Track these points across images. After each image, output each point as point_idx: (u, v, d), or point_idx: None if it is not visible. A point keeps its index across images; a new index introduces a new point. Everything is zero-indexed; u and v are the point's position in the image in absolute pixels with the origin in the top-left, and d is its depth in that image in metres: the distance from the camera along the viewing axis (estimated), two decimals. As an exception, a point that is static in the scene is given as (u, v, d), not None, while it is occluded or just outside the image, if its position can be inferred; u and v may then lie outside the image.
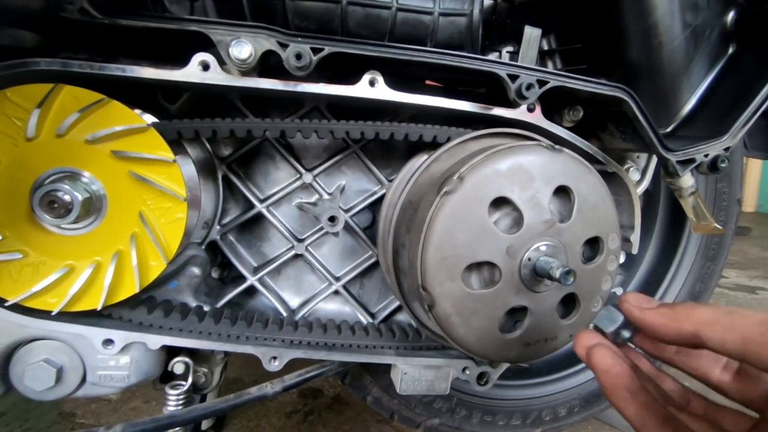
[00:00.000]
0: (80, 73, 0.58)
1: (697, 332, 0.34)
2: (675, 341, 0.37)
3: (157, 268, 0.63)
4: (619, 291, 1.21)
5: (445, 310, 0.57)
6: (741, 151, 1.09)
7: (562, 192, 0.59)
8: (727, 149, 0.72)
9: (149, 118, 0.63)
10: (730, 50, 0.80)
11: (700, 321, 0.34)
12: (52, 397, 0.65)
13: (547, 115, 0.71)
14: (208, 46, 0.59)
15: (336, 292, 0.83)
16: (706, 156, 0.73)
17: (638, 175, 0.86)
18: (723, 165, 0.72)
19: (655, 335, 0.38)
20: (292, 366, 0.71)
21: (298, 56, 0.60)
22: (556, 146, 0.60)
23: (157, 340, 0.66)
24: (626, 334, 0.43)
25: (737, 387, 0.39)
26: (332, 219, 0.75)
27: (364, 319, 0.83)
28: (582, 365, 1.19)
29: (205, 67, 0.60)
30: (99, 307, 0.62)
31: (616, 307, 0.43)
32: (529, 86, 0.66)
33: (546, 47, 1.00)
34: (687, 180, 0.79)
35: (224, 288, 0.80)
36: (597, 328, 0.44)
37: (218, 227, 0.77)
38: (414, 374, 0.76)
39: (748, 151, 1.04)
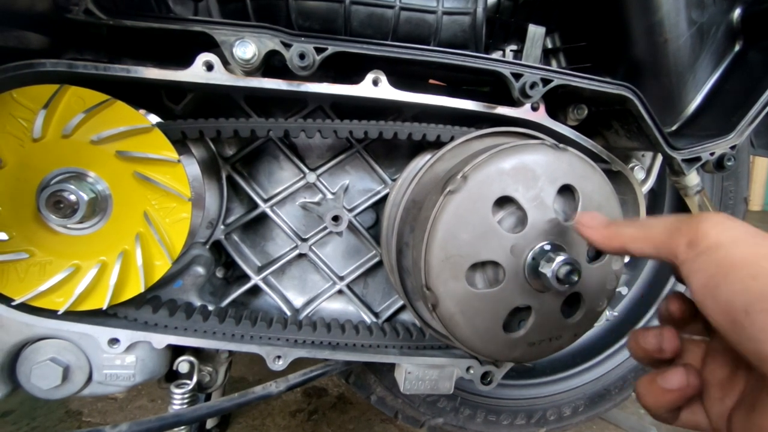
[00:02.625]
0: (85, 73, 0.58)
1: (625, 247, 0.42)
2: (615, 253, 0.45)
3: (162, 267, 0.64)
4: (624, 290, 1.20)
5: (448, 310, 0.57)
6: (747, 150, 1.08)
7: (567, 191, 0.59)
8: (733, 147, 0.72)
9: (154, 119, 0.64)
10: (737, 47, 0.79)
11: (626, 238, 0.42)
12: (58, 396, 0.66)
13: (552, 113, 0.71)
14: (212, 46, 0.59)
15: (340, 292, 0.83)
16: (712, 154, 0.72)
17: (643, 174, 0.85)
18: (729, 163, 0.72)
19: (599, 249, 0.46)
20: (296, 365, 0.71)
21: (302, 56, 0.60)
22: (561, 145, 0.60)
23: (162, 339, 0.67)
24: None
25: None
26: (336, 218, 0.75)
27: (367, 318, 0.83)
28: (586, 365, 1.19)
29: (209, 67, 0.60)
30: (105, 307, 0.62)
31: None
32: (533, 85, 0.65)
33: (550, 45, 1.00)
34: (693, 178, 0.79)
35: (228, 287, 0.80)
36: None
37: (222, 227, 0.78)
38: (418, 373, 0.75)
39: (754, 149, 1.03)
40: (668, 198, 1.19)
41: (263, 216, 0.80)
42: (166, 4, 0.72)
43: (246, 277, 0.79)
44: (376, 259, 0.83)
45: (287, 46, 0.60)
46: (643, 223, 0.42)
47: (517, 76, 0.65)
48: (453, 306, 0.56)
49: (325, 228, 0.80)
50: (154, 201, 0.62)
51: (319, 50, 0.60)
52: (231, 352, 0.76)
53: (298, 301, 0.84)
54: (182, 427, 0.70)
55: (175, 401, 0.72)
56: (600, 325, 1.11)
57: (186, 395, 0.73)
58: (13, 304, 0.60)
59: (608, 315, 1.03)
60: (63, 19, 0.56)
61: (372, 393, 1.03)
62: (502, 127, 0.69)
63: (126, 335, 0.65)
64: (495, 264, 0.57)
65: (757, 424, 0.34)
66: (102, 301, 0.62)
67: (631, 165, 0.84)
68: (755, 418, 0.34)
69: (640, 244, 0.41)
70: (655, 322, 0.79)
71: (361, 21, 0.72)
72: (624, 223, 0.44)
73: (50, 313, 0.62)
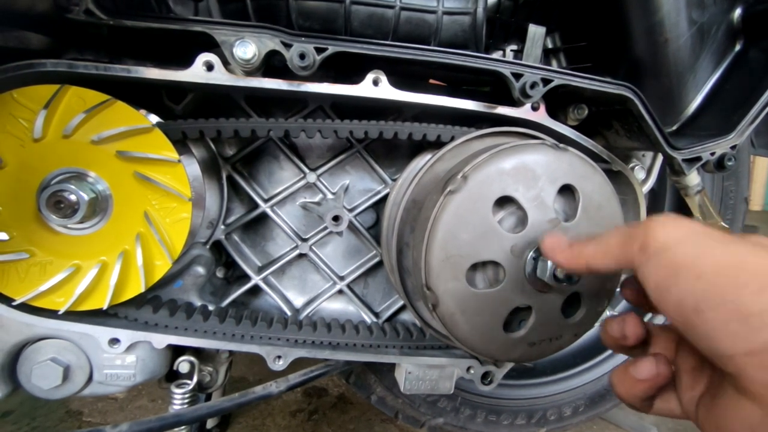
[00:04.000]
0: (86, 74, 0.58)
1: (588, 265, 0.43)
2: (581, 273, 0.45)
3: (162, 267, 0.64)
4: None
5: (449, 310, 0.57)
6: (748, 149, 1.08)
7: (567, 191, 0.59)
8: (733, 147, 0.72)
9: (154, 119, 0.64)
10: (737, 47, 0.79)
11: (588, 256, 0.43)
12: (59, 396, 0.66)
13: (552, 113, 0.71)
14: (213, 46, 0.59)
15: (340, 292, 0.83)
16: (712, 154, 0.72)
17: (643, 174, 0.85)
18: (729, 163, 0.72)
19: (567, 270, 0.47)
20: (296, 365, 0.71)
21: (302, 56, 0.60)
22: (561, 145, 0.60)
23: (162, 339, 0.67)
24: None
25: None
26: (336, 218, 0.75)
27: (368, 318, 0.83)
28: (587, 365, 1.19)
29: (210, 67, 0.60)
30: (105, 307, 0.62)
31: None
32: (534, 85, 0.65)
33: (550, 45, 1.00)
34: (693, 178, 0.78)
35: (229, 287, 0.80)
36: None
37: (223, 227, 0.78)
38: (418, 373, 0.75)
39: (755, 149, 1.03)
40: (668, 198, 1.19)
41: (263, 216, 0.80)
42: (167, 4, 0.72)
43: (246, 277, 0.79)
44: (377, 259, 0.83)
45: (287, 46, 0.60)
46: (601, 237, 0.42)
47: (518, 76, 0.65)
48: (453, 306, 0.56)
49: (325, 228, 0.80)
50: (154, 201, 0.62)
51: (319, 50, 0.60)
52: (231, 352, 0.76)
53: (298, 301, 0.84)
54: (182, 427, 0.70)
55: (175, 401, 0.72)
56: (600, 325, 1.11)
57: (186, 395, 0.73)
58: (14, 304, 0.60)
59: (608, 315, 1.03)
60: (63, 19, 0.56)
61: (372, 393, 1.03)
62: (502, 127, 0.69)
63: (126, 335, 0.65)
64: (495, 264, 0.57)
65: (716, 414, 0.35)
66: (102, 301, 0.62)
67: (631, 165, 0.84)
68: (716, 408, 0.35)
69: (600, 260, 0.41)
70: (656, 322, 0.79)
71: (362, 21, 0.72)
72: (585, 242, 0.44)
73: (51, 313, 0.62)
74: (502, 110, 0.69)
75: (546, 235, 0.48)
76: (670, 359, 0.42)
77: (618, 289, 0.51)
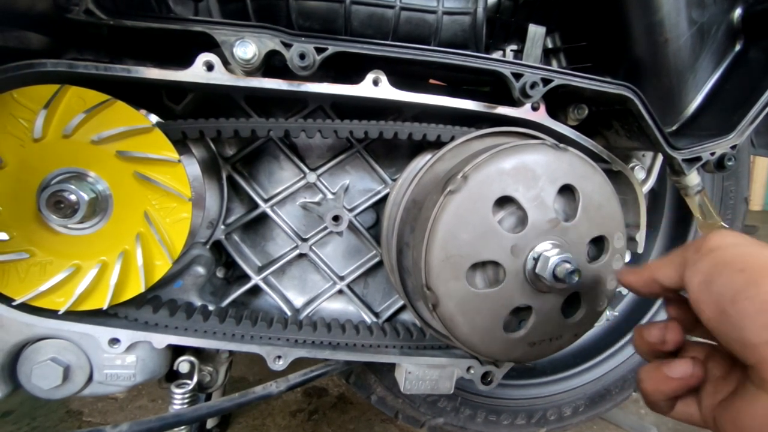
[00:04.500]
0: (86, 74, 0.58)
1: (656, 279, 0.45)
2: (650, 292, 0.46)
3: (162, 267, 0.64)
4: (624, 290, 1.20)
5: (449, 310, 0.57)
6: (748, 149, 1.08)
7: (567, 191, 0.59)
8: (733, 147, 0.72)
9: (154, 119, 0.64)
10: (737, 47, 0.79)
11: (653, 268, 0.45)
12: (59, 396, 0.66)
13: (552, 113, 0.71)
14: (213, 46, 0.59)
15: (340, 292, 0.83)
16: (712, 154, 0.72)
17: (644, 174, 0.85)
18: (729, 163, 0.72)
19: (635, 291, 0.48)
20: (296, 365, 0.71)
21: (302, 56, 0.60)
22: (561, 145, 0.60)
23: (162, 339, 0.67)
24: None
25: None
26: (336, 218, 0.75)
27: (368, 318, 0.83)
28: (587, 365, 1.19)
29: (210, 67, 0.60)
30: (105, 307, 0.62)
31: None
32: (534, 85, 0.65)
33: (550, 45, 1.00)
34: (693, 178, 0.78)
35: (229, 287, 0.80)
36: None
37: (223, 227, 0.78)
38: (418, 373, 0.75)
39: (755, 149, 1.03)
40: (668, 198, 1.19)
41: (263, 216, 0.80)
42: (167, 4, 0.72)
43: (246, 277, 0.79)
44: (377, 259, 0.83)
45: (287, 46, 0.60)
46: (667, 257, 0.45)
47: (518, 76, 0.65)
48: (453, 306, 0.56)
49: (325, 228, 0.80)
50: (154, 201, 0.62)
51: (319, 50, 0.60)
52: (231, 352, 0.76)
53: (298, 301, 0.84)
54: (183, 427, 0.70)
55: (175, 401, 0.72)
56: (600, 325, 1.11)
57: (186, 395, 0.73)
58: (14, 304, 0.60)
59: (608, 315, 1.03)
60: (63, 19, 0.56)
61: (372, 393, 1.03)
62: (502, 127, 0.69)
63: (126, 335, 0.65)
64: (495, 264, 0.57)
65: (734, 411, 0.36)
66: (102, 301, 0.62)
67: (631, 165, 0.84)
68: (734, 406, 0.37)
69: (662, 268, 0.44)
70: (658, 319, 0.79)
71: (362, 21, 0.72)
72: (649, 265, 0.47)
73: (51, 313, 0.62)
74: (502, 110, 0.69)
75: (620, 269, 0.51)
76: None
77: (663, 304, 0.53)
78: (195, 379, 0.73)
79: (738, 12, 0.77)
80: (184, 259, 0.73)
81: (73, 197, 0.57)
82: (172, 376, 0.74)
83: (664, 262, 0.44)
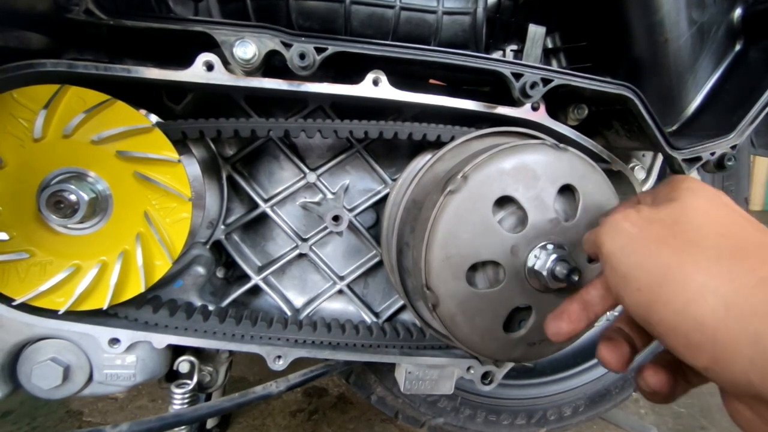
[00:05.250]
0: (86, 74, 0.58)
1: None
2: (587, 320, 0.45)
3: (162, 267, 0.64)
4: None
5: (449, 309, 0.57)
6: (748, 149, 1.08)
7: (567, 191, 0.59)
8: (733, 147, 0.72)
9: (154, 119, 0.64)
10: (737, 47, 0.79)
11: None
12: (59, 396, 0.66)
13: (552, 113, 0.71)
14: (213, 46, 0.59)
15: (340, 292, 0.83)
16: (712, 154, 0.72)
17: (643, 174, 0.85)
18: (730, 163, 0.72)
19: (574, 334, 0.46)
20: (296, 365, 0.71)
21: (302, 56, 0.60)
22: (561, 145, 0.60)
23: (162, 339, 0.67)
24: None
25: None
26: (336, 218, 0.75)
27: (368, 318, 0.83)
28: (587, 365, 1.19)
29: (210, 67, 0.60)
30: (105, 307, 0.62)
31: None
32: (534, 85, 0.65)
33: (550, 45, 1.00)
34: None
35: (229, 287, 0.80)
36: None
37: (223, 227, 0.78)
38: (418, 373, 0.75)
39: (755, 149, 1.03)
40: (669, 198, 1.18)
41: (263, 216, 0.80)
42: (167, 4, 0.72)
43: (246, 277, 0.79)
44: (377, 259, 0.83)
45: (287, 46, 0.60)
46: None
47: (518, 76, 0.65)
48: (453, 306, 0.56)
49: (325, 228, 0.80)
50: (154, 201, 0.62)
51: (319, 50, 0.60)
52: (231, 352, 0.76)
53: (298, 301, 0.84)
54: (182, 427, 0.70)
55: (175, 401, 0.72)
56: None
57: (186, 395, 0.73)
58: (14, 304, 0.60)
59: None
60: (63, 19, 0.56)
61: (372, 393, 1.03)
62: (502, 127, 0.69)
63: (126, 335, 0.65)
64: (495, 264, 0.57)
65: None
66: (102, 301, 0.62)
67: (631, 165, 0.84)
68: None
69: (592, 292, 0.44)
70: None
71: (362, 21, 0.72)
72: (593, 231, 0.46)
73: (51, 313, 0.62)
74: (502, 110, 0.69)
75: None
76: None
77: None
78: (195, 379, 0.73)
79: (738, 12, 0.77)
80: (184, 259, 0.73)
81: (73, 197, 0.57)
82: (172, 376, 0.74)
83: (592, 286, 0.43)
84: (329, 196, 0.80)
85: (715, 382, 0.32)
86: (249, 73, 0.62)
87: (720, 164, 0.72)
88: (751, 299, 0.28)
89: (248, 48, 0.59)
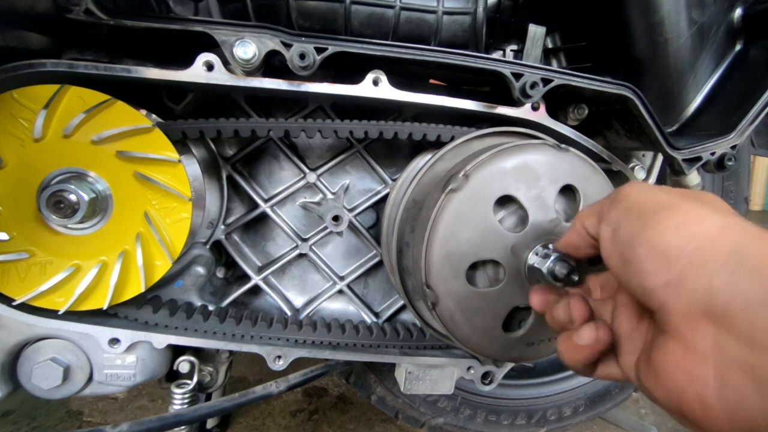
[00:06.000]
0: (86, 74, 0.58)
1: (584, 226, 0.43)
2: (583, 242, 0.45)
3: (162, 267, 0.64)
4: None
5: (448, 308, 0.57)
6: (748, 149, 1.08)
7: (568, 191, 0.59)
8: (733, 147, 0.72)
9: (154, 119, 0.64)
10: (737, 47, 0.79)
11: (584, 218, 0.43)
12: (59, 396, 0.66)
13: (552, 113, 0.71)
14: (213, 46, 0.59)
15: (340, 292, 0.83)
16: (712, 154, 0.72)
17: (644, 174, 0.85)
18: (730, 163, 0.72)
19: (574, 249, 0.47)
20: (296, 365, 0.71)
21: (302, 56, 0.60)
22: (562, 145, 0.60)
23: (162, 339, 0.67)
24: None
25: None
26: (336, 218, 0.75)
27: (368, 318, 0.83)
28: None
29: (210, 67, 0.60)
30: (105, 307, 0.62)
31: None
32: (534, 85, 0.65)
33: (550, 45, 1.00)
34: (693, 178, 0.78)
35: (229, 287, 0.80)
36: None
37: (223, 227, 0.78)
38: (418, 373, 0.75)
39: (755, 149, 1.03)
40: (669, 198, 1.18)
41: (263, 216, 0.80)
42: (167, 4, 0.72)
43: (246, 277, 0.79)
44: (377, 259, 0.83)
45: (287, 46, 0.60)
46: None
47: (518, 76, 0.65)
48: (453, 305, 0.56)
49: (325, 228, 0.80)
50: (154, 201, 0.62)
51: (319, 50, 0.60)
52: (231, 352, 0.76)
53: (298, 301, 0.84)
54: (183, 427, 0.70)
55: (175, 401, 0.72)
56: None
57: (186, 395, 0.73)
58: (14, 304, 0.60)
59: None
60: (63, 19, 0.56)
61: (372, 393, 1.03)
62: (502, 126, 0.69)
63: (126, 335, 0.65)
64: (495, 263, 0.57)
65: (654, 363, 0.35)
66: (102, 301, 0.62)
67: (631, 165, 0.84)
68: (651, 362, 0.36)
69: (589, 218, 0.43)
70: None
71: (362, 21, 0.72)
72: (581, 212, 0.47)
73: (51, 313, 0.62)
74: (502, 110, 0.69)
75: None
76: (609, 326, 0.43)
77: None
78: (195, 379, 0.73)
79: (738, 12, 0.77)
80: (184, 259, 0.73)
81: (73, 197, 0.57)
82: (172, 376, 0.74)
83: (589, 211, 0.43)
84: (329, 196, 0.80)
85: (660, 307, 0.33)
86: (249, 73, 0.62)
87: (720, 164, 0.72)
88: (750, 227, 0.32)
89: (248, 48, 0.59)
